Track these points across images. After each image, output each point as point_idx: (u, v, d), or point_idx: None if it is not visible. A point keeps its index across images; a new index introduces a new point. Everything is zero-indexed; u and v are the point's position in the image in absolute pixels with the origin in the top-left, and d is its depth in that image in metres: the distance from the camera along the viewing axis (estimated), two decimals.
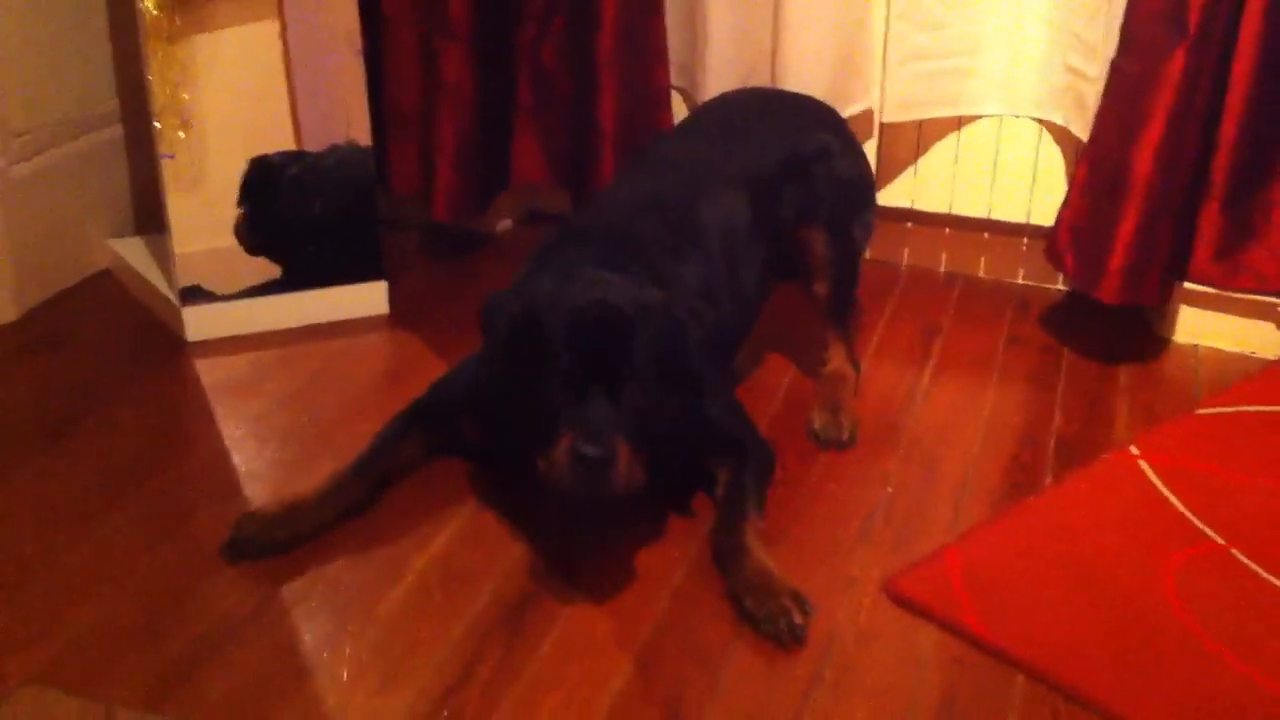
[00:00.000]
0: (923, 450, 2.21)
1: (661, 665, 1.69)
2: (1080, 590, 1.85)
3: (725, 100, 2.57)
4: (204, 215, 2.47)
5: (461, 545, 1.92)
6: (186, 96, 2.40)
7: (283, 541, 1.86)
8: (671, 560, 1.89)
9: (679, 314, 1.85)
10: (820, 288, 2.33)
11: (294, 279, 2.57)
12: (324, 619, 1.76)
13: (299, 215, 2.53)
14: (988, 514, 2.03)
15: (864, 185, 2.43)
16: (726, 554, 1.86)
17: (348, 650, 1.70)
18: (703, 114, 2.54)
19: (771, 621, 1.74)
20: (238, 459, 2.13)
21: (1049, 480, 2.14)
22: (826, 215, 2.30)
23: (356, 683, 1.65)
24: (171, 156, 2.43)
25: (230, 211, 2.49)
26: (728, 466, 2.00)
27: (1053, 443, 2.24)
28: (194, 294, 2.49)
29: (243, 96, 2.44)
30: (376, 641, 1.72)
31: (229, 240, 2.50)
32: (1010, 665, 1.71)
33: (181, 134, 2.42)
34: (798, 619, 1.74)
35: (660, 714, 1.61)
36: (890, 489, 2.09)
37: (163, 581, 1.83)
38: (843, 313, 2.37)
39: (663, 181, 2.24)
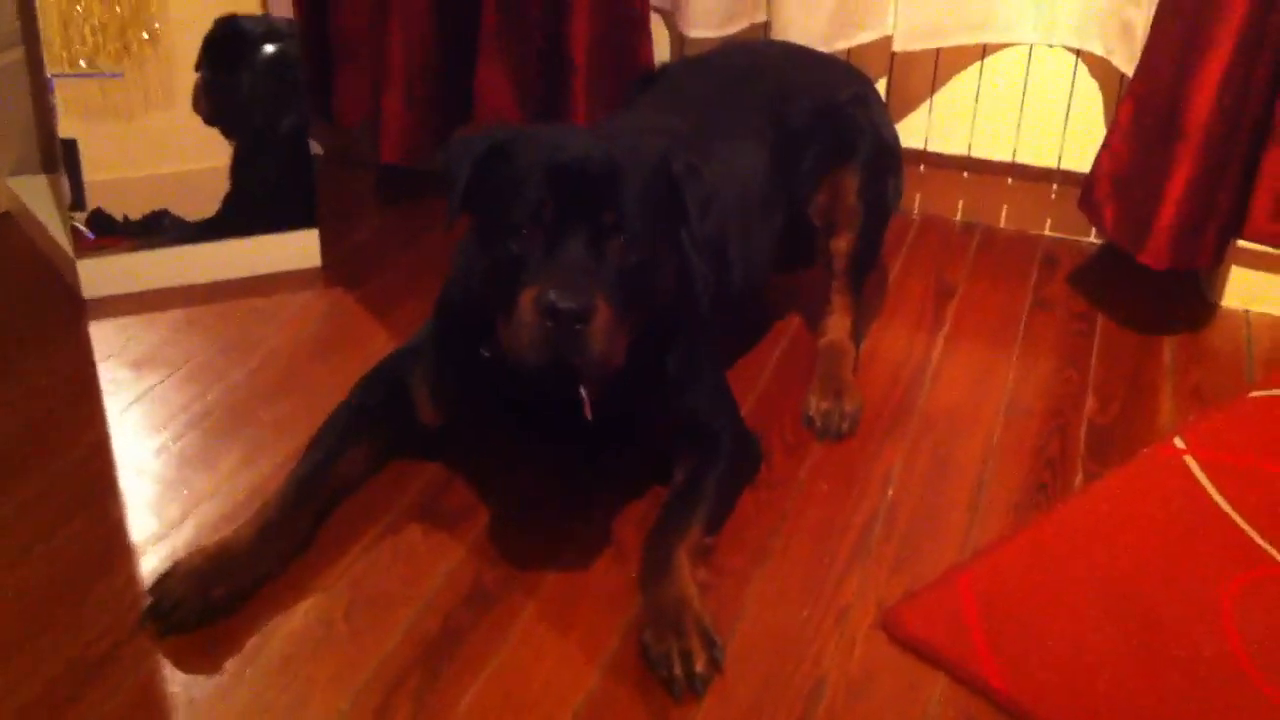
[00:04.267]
0: (933, 441, 1.89)
1: None
2: (1119, 625, 1.54)
3: (746, 46, 2.31)
4: (136, 139, 2.19)
5: (376, 565, 1.60)
6: (155, 9, 2.13)
7: (219, 602, 1.49)
8: (632, 583, 1.57)
9: (678, 165, 1.54)
10: (840, 242, 2.03)
11: (217, 225, 2.25)
12: (198, 659, 1.44)
13: (264, 97, 2.24)
14: (1008, 523, 1.72)
15: (898, 147, 2.14)
16: (647, 571, 1.55)
17: (222, 699, 1.39)
18: (717, 56, 2.24)
19: (665, 664, 1.43)
20: (121, 448, 1.81)
21: (1080, 479, 1.82)
22: (861, 161, 2.01)
23: None
24: (119, 75, 2.15)
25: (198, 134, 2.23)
26: (688, 461, 1.69)
27: (1084, 432, 1.92)
28: (101, 224, 2.18)
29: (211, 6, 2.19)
30: (260, 688, 1.41)
31: (178, 164, 2.23)
32: None
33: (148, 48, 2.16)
34: (699, 666, 1.42)
35: None
36: (892, 491, 1.77)
37: (13, 612, 1.51)
38: (859, 275, 2.06)
39: (670, 120, 1.93)
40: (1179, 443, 1.88)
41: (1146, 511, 1.76)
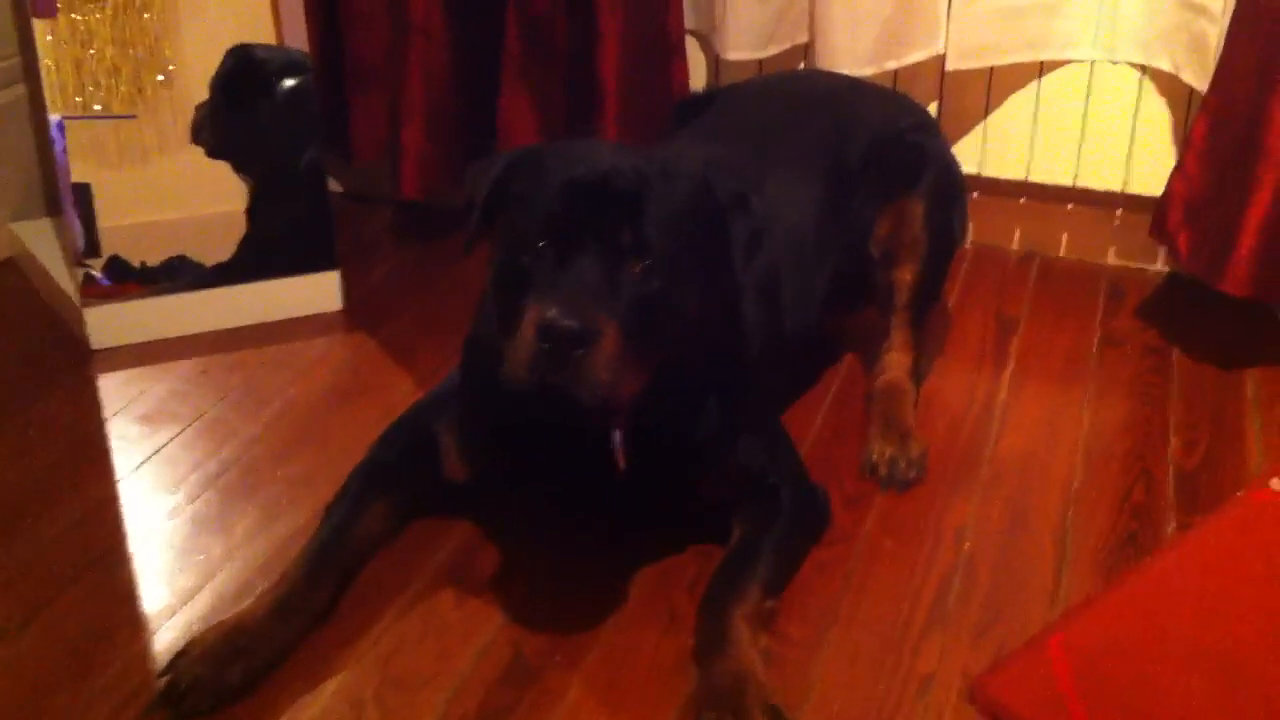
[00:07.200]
0: (1007, 490, 1.74)
1: None
2: (1227, 690, 1.38)
3: (797, 75, 2.23)
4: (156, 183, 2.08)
5: (405, 638, 1.46)
6: (169, 51, 2.05)
7: (235, 683, 1.35)
8: (686, 654, 1.42)
9: (724, 192, 1.43)
10: (903, 273, 1.91)
11: (234, 268, 2.13)
12: None
13: (281, 132, 2.13)
14: (1098, 579, 1.57)
15: (962, 178, 2.04)
16: (702, 642, 1.40)
17: None
18: (768, 84, 2.15)
19: None
20: (131, 511, 1.68)
21: (1172, 528, 1.66)
22: (926, 189, 1.90)
23: None
24: (133, 117, 2.05)
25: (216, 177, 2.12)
26: (745, 520, 1.54)
27: (1171, 475, 1.77)
28: (118, 271, 2.06)
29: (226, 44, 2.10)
30: None
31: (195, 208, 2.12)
32: None
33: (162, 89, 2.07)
34: None
35: None
36: (968, 546, 1.62)
37: (7, 693, 1.37)
38: (921, 310, 1.93)
39: (718, 150, 1.81)
40: (1277, 484, 1.73)
41: (1247, 563, 1.59)
